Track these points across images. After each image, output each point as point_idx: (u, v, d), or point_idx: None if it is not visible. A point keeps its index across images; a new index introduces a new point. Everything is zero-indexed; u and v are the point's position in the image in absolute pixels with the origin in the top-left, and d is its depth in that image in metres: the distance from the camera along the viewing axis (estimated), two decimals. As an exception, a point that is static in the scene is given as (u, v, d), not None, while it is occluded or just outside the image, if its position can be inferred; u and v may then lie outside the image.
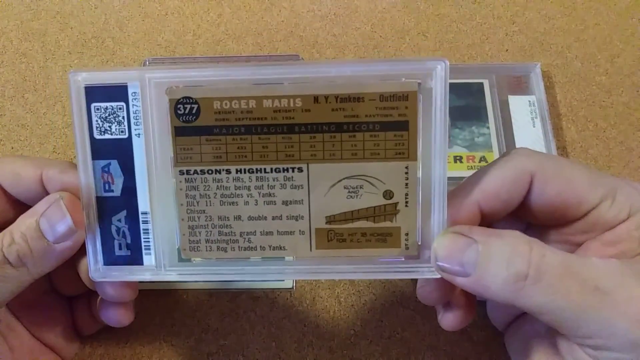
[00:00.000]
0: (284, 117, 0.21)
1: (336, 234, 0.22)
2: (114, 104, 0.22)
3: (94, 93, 0.22)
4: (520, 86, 0.36)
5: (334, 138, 0.21)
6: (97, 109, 0.22)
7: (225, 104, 0.21)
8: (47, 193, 0.23)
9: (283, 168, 0.22)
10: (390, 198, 0.22)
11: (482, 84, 0.36)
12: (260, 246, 0.23)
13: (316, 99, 0.21)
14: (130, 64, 0.39)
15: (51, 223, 0.22)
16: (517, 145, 0.34)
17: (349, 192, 0.22)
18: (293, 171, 0.22)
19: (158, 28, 0.41)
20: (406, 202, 0.22)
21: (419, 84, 0.21)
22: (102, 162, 0.22)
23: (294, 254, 0.23)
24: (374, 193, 0.22)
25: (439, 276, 0.21)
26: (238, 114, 0.21)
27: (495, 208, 0.22)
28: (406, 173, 0.22)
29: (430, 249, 0.21)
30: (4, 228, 0.22)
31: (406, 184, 0.22)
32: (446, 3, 0.41)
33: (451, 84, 0.36)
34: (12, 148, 0.36)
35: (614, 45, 0.39)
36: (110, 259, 0.23)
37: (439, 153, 0.21)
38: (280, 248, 0.23)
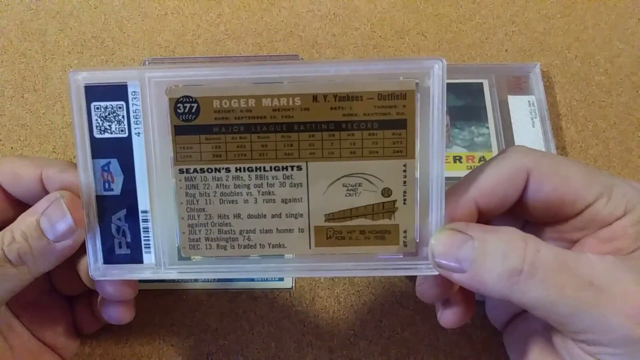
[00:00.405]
0: (283, 116, 0.21)
1: (335, 232, 0.22)
2: (114, 103, 0.22)
3: (93, 92, 0.22)
4: (520, 86, 0.36)
5: (332, 136, 0.21)
6: (97, 108, 0.22)
7: (225, 103, 0.21)
8: (46, 192, 0.23)
9: (282, 166, 0.22)
10: (389, 196, 0.22)
11: (481, 84, 0.36)
12: (260, 244, 0.23)
13: (315, 97, 0.21)
14: (130, 64, 0.39)
15: (51, 222, 0.22)
16: (517, 145, 0.34)
17: (347, 190, 0.22)
18: (292, 169, 0.22)
19: (158, 28, 0.41)
20: (404, 200, 0.22)
21: (417, 83, 0.21)
22: (102, 161, 0.22)
23: (293, 252, 0.23)
24: (372, 191, 0.22)
25: (436, 273, 0.22)
26: (237, 112, 0.21)
27: (491, 205, 0.22)
28: (404, 171, 0.22)
29: (428, 246, 0.22)
30: (3, 228, 0.22)
31: (404, 182, 0.22)
32: (446, 3, 0.41)
33: (451, 84, 0.36)
34: (12, 148, 0.36)
35: (613, 45, 0.39)
36: (110, 258, 0.23)
37: (436, 151, 0.21)
38: (280, 246, 0.23)
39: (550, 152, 0.29)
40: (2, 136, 0.36)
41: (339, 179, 0.22)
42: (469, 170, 0.33)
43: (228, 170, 0.22)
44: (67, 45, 0.40)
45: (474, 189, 0.22)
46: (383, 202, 0.22)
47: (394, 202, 0.22)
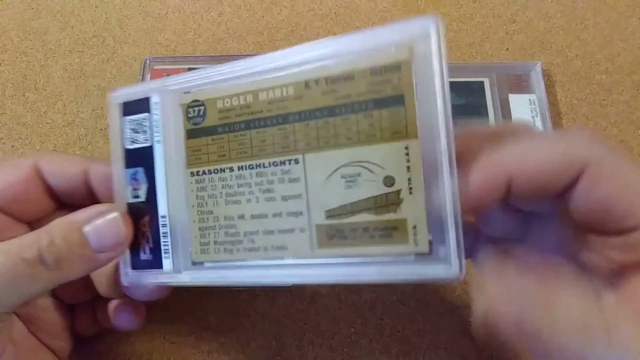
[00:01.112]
0: (278, 108, 0.21)
1: (337, 230, 0.20)
2: (141, 116, 0.23)
3: (126, 107, 0.24)
4: (521, 85, 0.36)
5: (327, 123, 0.20)
6: (129, 122, 0.23)
7: (227, 102, 0.22)
8: (89, 189, 0.24)
9: (280, 161, 0.21)
10: (391, 185, 0.19)
11: (482, 82, 0.36)
12: (263, 247, 0.21)
13: (307, 84, 0.20)
14: (131, 63, 0.39)
15: (100, 233, 0.22)
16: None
17: (346, 181, 0.20)
18: (290, 163, 0.21)
19: (159, 27, 0.41)
20: (410, 189, 0.19)
21: (411, 49, 0.18)
22: (132, 171, 0.23)
23: (294, 254, 0.21)
24: (372, 181, 0.19)
25: (458, 276, 0.18)
26: (237, 110, 0.21)
27: (525, 190, 0.18)
28: (407, 154, 0.19)
29: (445, 244, 0.18)
30: (38, 220, 0.23)
31: (408, 168, 0.19)
32: (446, 2, 0.41)
33: (452, 83, 0.36)
34: (13, 147, 0.36)
35: (614, 44, 0.39)
36: (137, 264, 0.23)
37: (442, 126, 0.18)
38: (282, 248, 0.21)
39: (617, 149, 0.21)
40: (3, 135, 0.36)
41: (336, 169, 0.20)
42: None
43: (232, 169, 0.22)
44: (68, 44, 0.40)
45: (513, 160, 0.18)
46: (386, 193, 0.19)
47: (398, 192, 0.19)
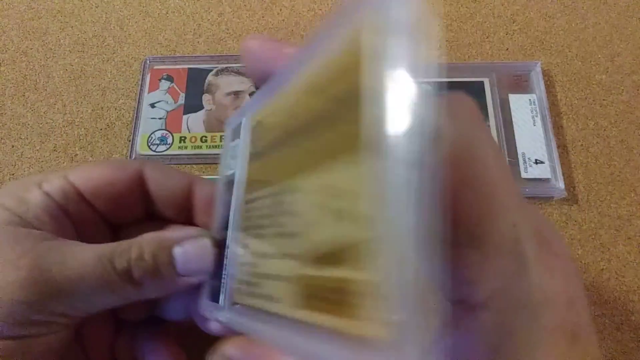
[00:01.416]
0: (294, 123, 0.16)
1: (316, 288, 0.13)
2: (236, 141, 0.22)
3: (232, 133, 0.23)
4: (521, 85, 0.36)
5: (324, 134, 0.14)
6: (230, 148, 0.22)
7: (270, 120, 0.19)
8: (188, 205, 0.24)
9: (291, 186, 0.16)
10: (355, 224, 0.11)
11: (482, 82, 0.36)
12: (260, 294, 0.16)
13: (306, 91, 0.15)
14: (131, 63, 0.39)
15: (187, 257, 0.21)
16: (519, 144, 0.34)
17: (332, 216, 0.13)
18: (294, 191, 0.15)
19: (159, 27, 0.41)
20: (382, 235, 0.10)
21: (360, 39, 0.12)
22: (224, 197, 0.22)
23: (278, 310, 0.15)
24: (347, 216, 0.12)
25: None
26: (276, 129, 0.18)
27: None
28: (371, 177, 0.11)
29: (417, 329, 0.10)
30: (123, 226, 0.23)
31: (371, 197, 0.11)
32: (446, 2, 0.41)
33: (452, 83, 0.36)
34: (13, 146, 0.36)
35: (614, 44, 0.39)
36: (212, 294, 0.21)
37: (407, 134, 0.10)
38: (272, 299, 0.15)
39: None
40: (3, 135, 0.36)
41: (325, 198, 0.13)
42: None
43: (265, 196, 0.17)
44: (68, 44, 0.40)
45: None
46: (346, 238, 0.12)
47: (358, 235, 0.11)
